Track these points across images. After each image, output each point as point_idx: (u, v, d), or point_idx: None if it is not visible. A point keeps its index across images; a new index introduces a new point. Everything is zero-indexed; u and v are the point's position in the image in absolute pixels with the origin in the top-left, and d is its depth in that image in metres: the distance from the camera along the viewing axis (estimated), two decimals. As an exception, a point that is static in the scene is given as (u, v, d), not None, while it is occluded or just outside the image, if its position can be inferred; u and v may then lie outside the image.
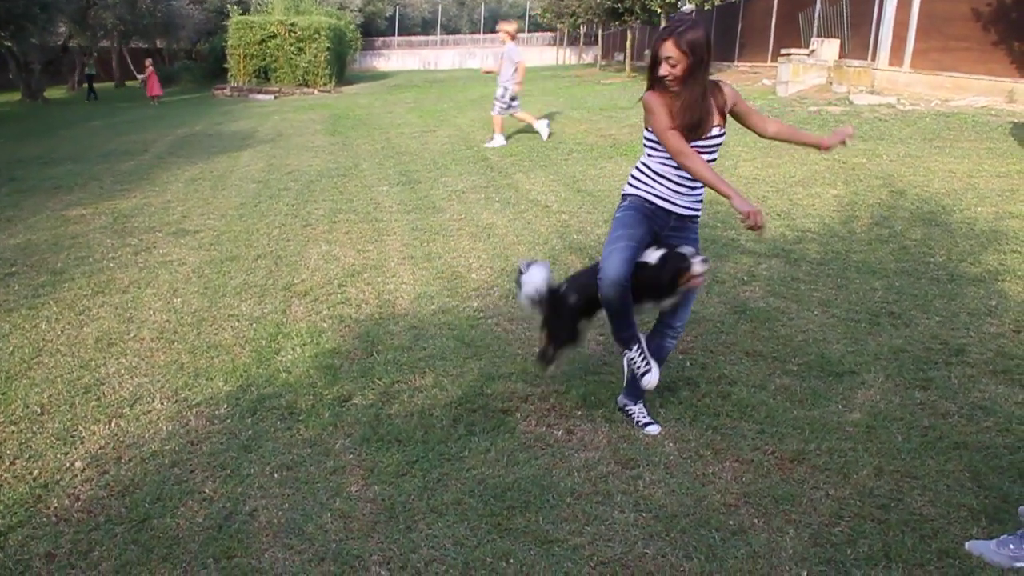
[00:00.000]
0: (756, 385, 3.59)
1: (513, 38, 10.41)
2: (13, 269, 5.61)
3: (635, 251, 3.00)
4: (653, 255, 3.00)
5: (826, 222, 6.21)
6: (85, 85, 26.44)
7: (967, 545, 2.48)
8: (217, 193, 8.26)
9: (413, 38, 45.40)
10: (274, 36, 24.00)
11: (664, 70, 2.81)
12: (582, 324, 3.39)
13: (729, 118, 3.04)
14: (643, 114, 2.99)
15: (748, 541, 2.54)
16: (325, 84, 24.17)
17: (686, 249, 3.01)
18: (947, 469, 2.92)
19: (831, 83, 13.38)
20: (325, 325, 4.43)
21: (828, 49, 14.19)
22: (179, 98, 23.95)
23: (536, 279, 3.35)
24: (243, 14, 25.33)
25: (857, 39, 14.32)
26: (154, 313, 4.68)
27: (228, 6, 25.36)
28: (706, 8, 18.44)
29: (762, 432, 3.19)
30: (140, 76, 23.12)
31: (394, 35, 44.77)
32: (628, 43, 24.98)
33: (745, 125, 3.11)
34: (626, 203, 3.13)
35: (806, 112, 11.38)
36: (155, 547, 2.55)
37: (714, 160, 3.04)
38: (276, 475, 2.96)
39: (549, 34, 43.81)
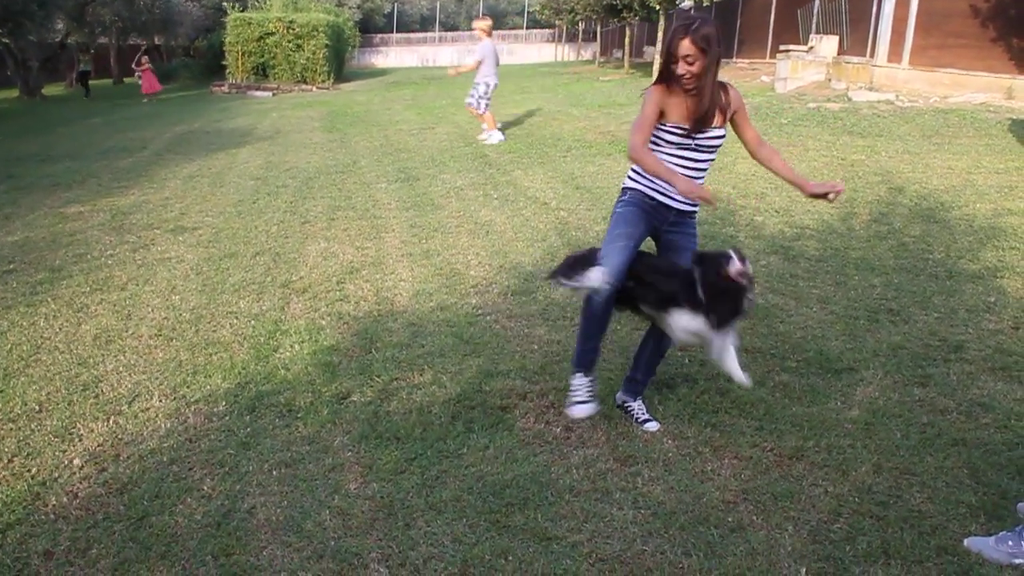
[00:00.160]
0: (755, 382, 3.58)
1: (488, 35, 10.43)
2: (11, 266, 5.60)
3: (633, 252, 3.01)
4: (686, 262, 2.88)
5: (825, 219, 6.21)
6: (80, 83, 26.36)
7: (966, 542, 2.48)
8: (215, 190, 8.24)
9: (411, 35, 45.27)
10: (272, 33, 23.94)
11: (682, 68, 2.81)
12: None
13: None
14: None
15: (747, 538, 2.54)
16: (323, 81, 24.12)
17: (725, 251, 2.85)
18: (946, 466, 2.92)
19: (830, 80, 13.37)
20: (323, 322, 4.43)
21: (827, 45, 14.20)
22: (177, 95, 23.90)
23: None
24: (242, 11, 25.25)
25: (856, 35, 14.32)
26: (152, 310, 4.67)
27: (226, 3, 25.28)
28: (705, 4, 18.41)
29: (761, 429, 3.19)
30: (136, 70, 23.03)
31: (392, 32, 44.65)
32: (627, 40, 24.94)
33: (739, 135, 3.10)
34: (626, 197, 3.12)
35: (805, 109, 11.37)
36: (153, 545, 2.55)
37: (712, 160, 3.04)
38: (274, 472, 2.96)
39: (547, 31, 43.69)
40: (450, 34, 46.76)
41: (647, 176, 3.05)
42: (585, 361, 3.18)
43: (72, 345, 4.17)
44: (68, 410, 3.45)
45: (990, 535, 2.47)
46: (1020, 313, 4.34)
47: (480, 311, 4.55)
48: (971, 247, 5.42)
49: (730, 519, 2.64)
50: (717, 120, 2.95)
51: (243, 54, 24.08)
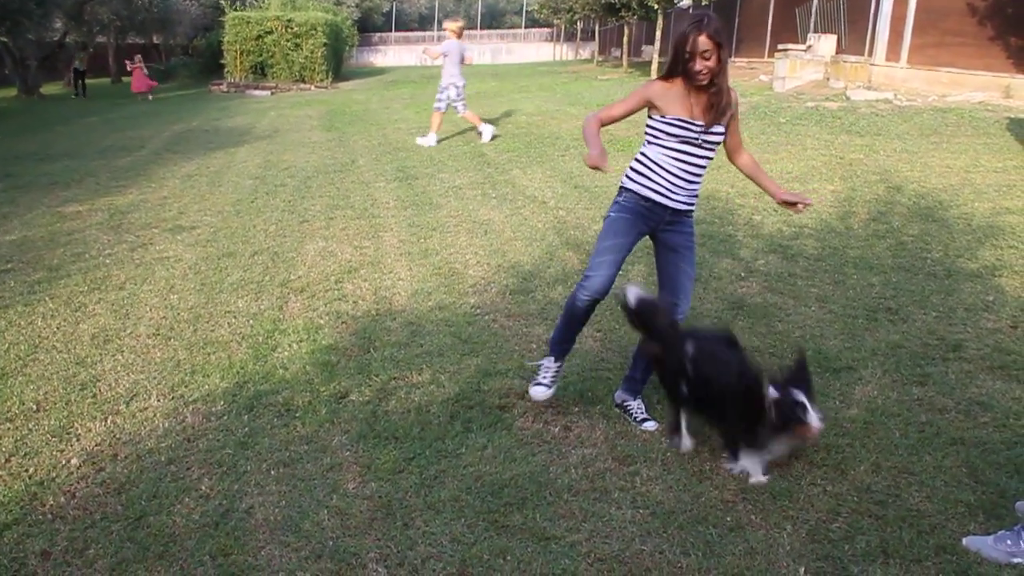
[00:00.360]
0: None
1: (458, 36, 10.44)
2: (9, 266, 5.59)
3: (621, 264, 3.10)
4: (772, 392, 2.74)
5: (823, 218, 6.21)
6: (77, 81, 26.29)
7: (964, 541, 2.48)
8: (214, 189, 8.23)
9: (410, 34, 45.24)
10: (271, 32, 23.91)
11: (699, 64, 2.85)
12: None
13: None
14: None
15: (745, 537, 2.54)
16: (322, 80, 24.10)
17: (802, 397, 2.71)
18: (944, 465, 2.92)
19: (828, 79, 13.37)
20: (322, 321, 4.42)
21: (825, 45, 14.18)
22: (175, 94, 23.88)
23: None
24: (240, 10, 25.22)
25: (854, 34, 14.31)
26: (150, 310, 4.67)
27: (224, 2, 25.24)
28: (703, 4, 18.41)
29: (759, 428, 3.19)
30: (129, 67, 23.01)
31: (391, 31, 44.65)
32: (625, 39, 24.94)
33: (726, 136, 3.10)
34: (621, 200, 3.13)
35: (803, 108, 11.36)
36: (151, 545, 2.55)
37: (711, 158, 3.05)
38: (273, 472, 2.95)
39: (546, 30, 43.68)
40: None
41: (645, 176, 3.05)
42: (558, 350, 3.32)
43: (70, 344, 4.16)
44: (66, 410, 3.44)
45: (989, 534, 2.47)
46: (1018, 312, 4.34)
47: (478, 310, 4.54)
48: (969, 246, 5.43)
49: (729, 518, 2.64)
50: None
51: (241, 53, 24.05)
